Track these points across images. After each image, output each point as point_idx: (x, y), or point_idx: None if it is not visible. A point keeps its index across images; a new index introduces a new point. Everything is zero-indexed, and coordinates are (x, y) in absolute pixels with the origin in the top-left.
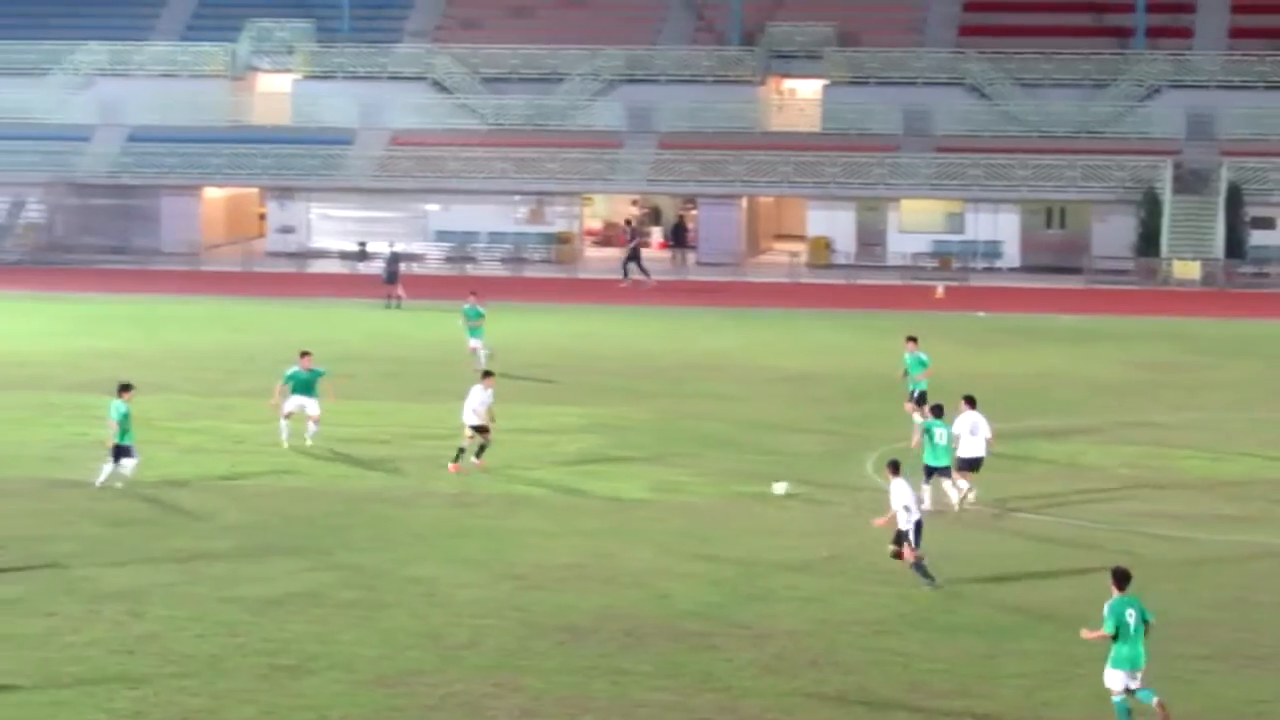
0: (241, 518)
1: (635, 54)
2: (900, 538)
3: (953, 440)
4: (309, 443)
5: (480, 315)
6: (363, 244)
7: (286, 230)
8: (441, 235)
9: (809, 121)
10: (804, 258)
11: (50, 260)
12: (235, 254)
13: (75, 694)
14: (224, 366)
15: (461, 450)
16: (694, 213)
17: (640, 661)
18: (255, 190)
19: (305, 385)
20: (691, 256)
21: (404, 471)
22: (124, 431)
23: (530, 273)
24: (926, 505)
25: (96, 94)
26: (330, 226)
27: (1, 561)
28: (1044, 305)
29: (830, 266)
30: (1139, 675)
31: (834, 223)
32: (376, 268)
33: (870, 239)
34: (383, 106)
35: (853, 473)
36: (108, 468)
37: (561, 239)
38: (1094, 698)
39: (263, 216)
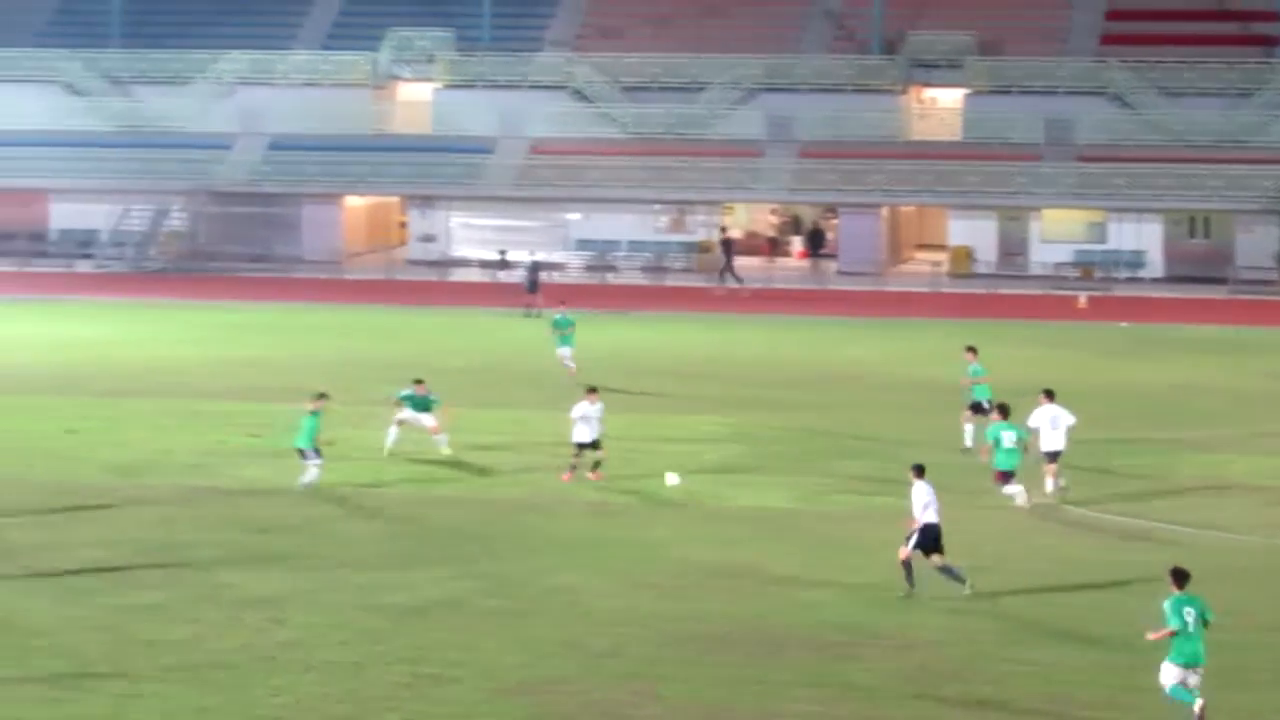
0: (383, 526)
1: (775, 63)
2: (911, 538)
3: (1030, 434)
4: (447, 452)
5: (570, 324)
6: (503, 253)
7: (427, 239)
8: (582, 244)
9: (950, 131)
10: (945, 267)
11: (192, 268)
12: (376, 262)
13: (218, 700)
14: (365, 375)
15: (574, 466)
16: (834, 221)
17: (780, 670)
18: (396, 199)
19: (419, 405)
20: (829, 264)
21: (546, 480)
22: (307, 435)
23: (671, 281)
24: (1022, 502)
25: (238, 102)
26: (471, 235)
27: (145, 565)
28: (1187, 315)
29: (972, 276)
30: (1199, 671)
31: (975, 232)
32: (517, 276)
33: (1012, 248)
34: (523, 115)
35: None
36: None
37: (702, 248)
38: (1245, 712)
39: (404, 225)
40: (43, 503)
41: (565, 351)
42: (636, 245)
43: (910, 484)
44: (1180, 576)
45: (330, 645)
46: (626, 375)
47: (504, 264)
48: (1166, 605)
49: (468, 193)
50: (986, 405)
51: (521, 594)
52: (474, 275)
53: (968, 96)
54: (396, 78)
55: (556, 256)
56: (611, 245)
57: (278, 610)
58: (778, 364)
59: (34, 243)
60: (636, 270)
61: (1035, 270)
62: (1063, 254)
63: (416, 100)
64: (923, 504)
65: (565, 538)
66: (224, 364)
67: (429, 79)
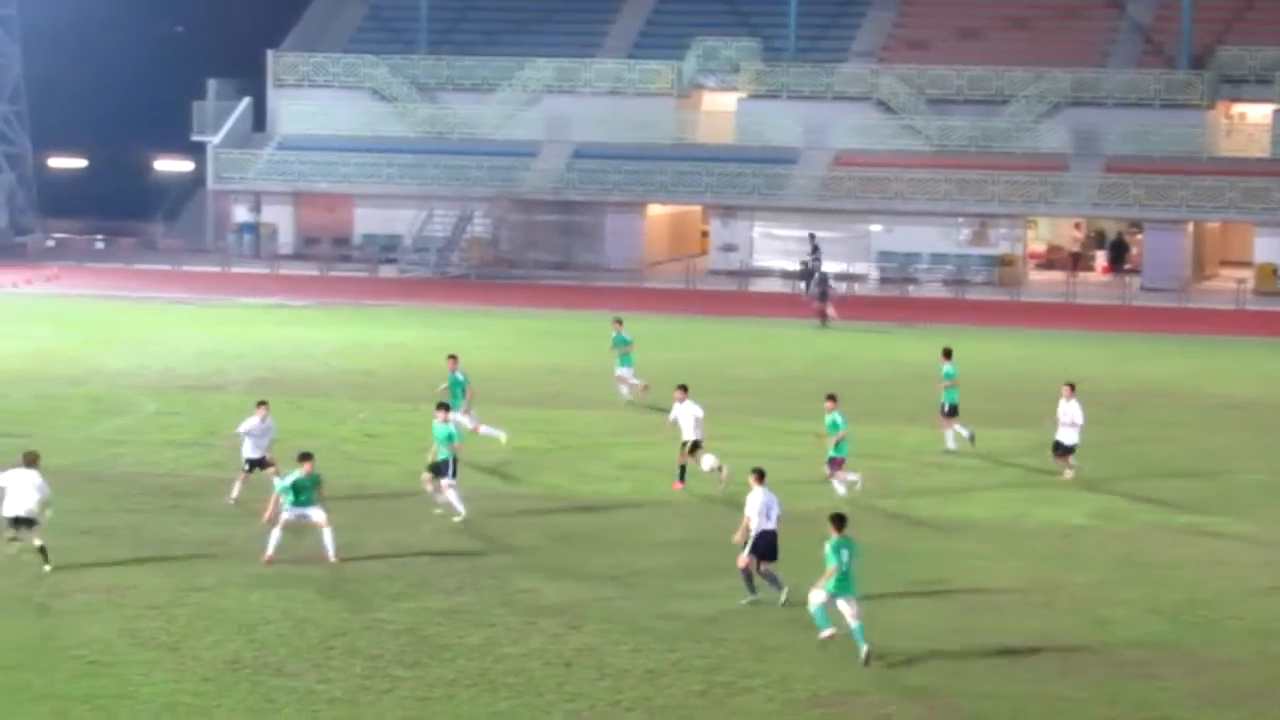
0: (679, 534)
1: (1082, 76)
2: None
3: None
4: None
5: (627, 343)
6: (805, 263)
7: (729, 249)
8: (883, 256)
9: (1258, 146)
10: (1251, 284)
11: (494, 275)
12: (677, 271)
13: (512, 705)
14: (662, 384)
15: (683, 467)
16: (1137, 235)
17: (1077, 688)
18: (698, 208)
19: (453, 384)
20: (1132, 280)
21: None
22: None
23: (972, 295)
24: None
25: (543, 110)
26: (772, 245)
27: (442, 570)
28: None
29: (1277, 294)
30: (852, 601)
31: None
32: (814, 287)
33: None
34: (827, 126)
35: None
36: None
37: (1004, 261)
38: None
39: (705, 234)
40: (342, 506)
41: (625, 372)
42: (938, 258)
43: (750, 489)
44: (838, 521)
45: (624, 653)
46: (926, 389)
47: (805, 275)
48: (828, 547)
49: (770, 203)
50: (948, 409)
51: None
52: (775, 286)
53: (1277, 112)
54: (701, 87)
55: (858, 268)
56: (913, 258)
57: (573, 617)
58: (1079, 380)
59: (338, 247)
60: (937, 283)
61: None
62: None
63: (720, 110)
64: (760, 510)
65: (863, 549)
66: (524, 371)
67: (733, 89)
